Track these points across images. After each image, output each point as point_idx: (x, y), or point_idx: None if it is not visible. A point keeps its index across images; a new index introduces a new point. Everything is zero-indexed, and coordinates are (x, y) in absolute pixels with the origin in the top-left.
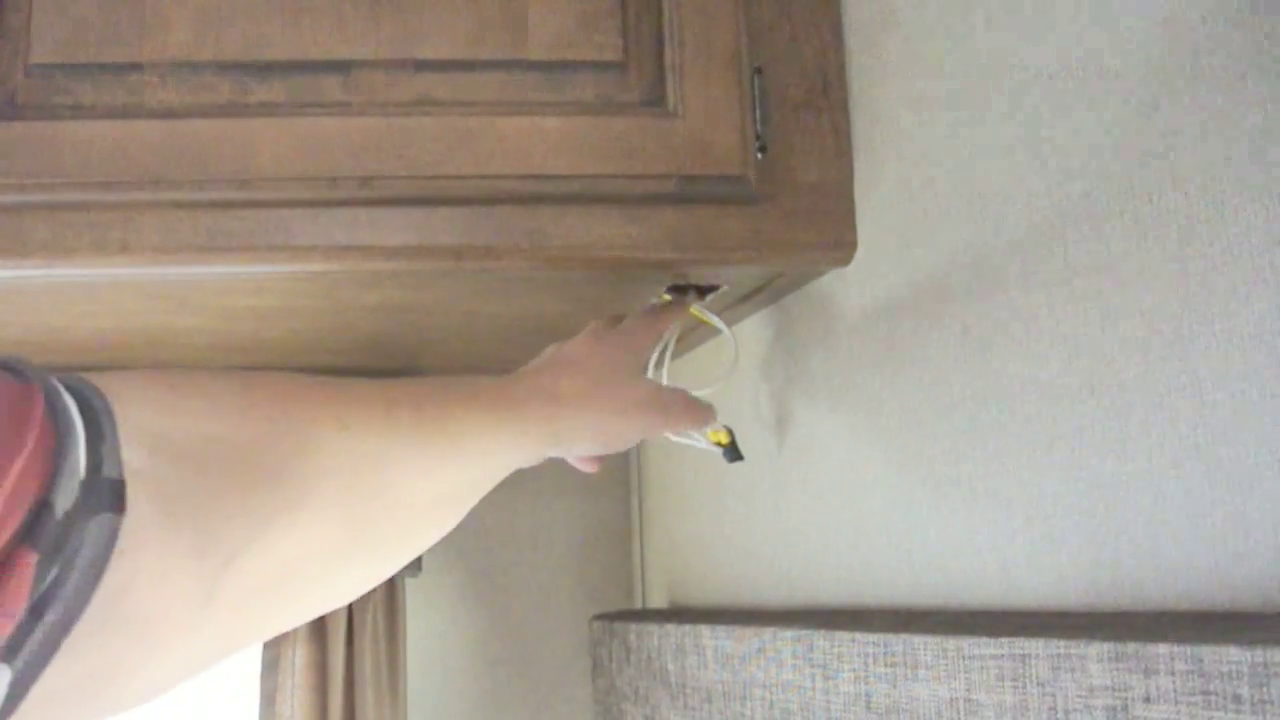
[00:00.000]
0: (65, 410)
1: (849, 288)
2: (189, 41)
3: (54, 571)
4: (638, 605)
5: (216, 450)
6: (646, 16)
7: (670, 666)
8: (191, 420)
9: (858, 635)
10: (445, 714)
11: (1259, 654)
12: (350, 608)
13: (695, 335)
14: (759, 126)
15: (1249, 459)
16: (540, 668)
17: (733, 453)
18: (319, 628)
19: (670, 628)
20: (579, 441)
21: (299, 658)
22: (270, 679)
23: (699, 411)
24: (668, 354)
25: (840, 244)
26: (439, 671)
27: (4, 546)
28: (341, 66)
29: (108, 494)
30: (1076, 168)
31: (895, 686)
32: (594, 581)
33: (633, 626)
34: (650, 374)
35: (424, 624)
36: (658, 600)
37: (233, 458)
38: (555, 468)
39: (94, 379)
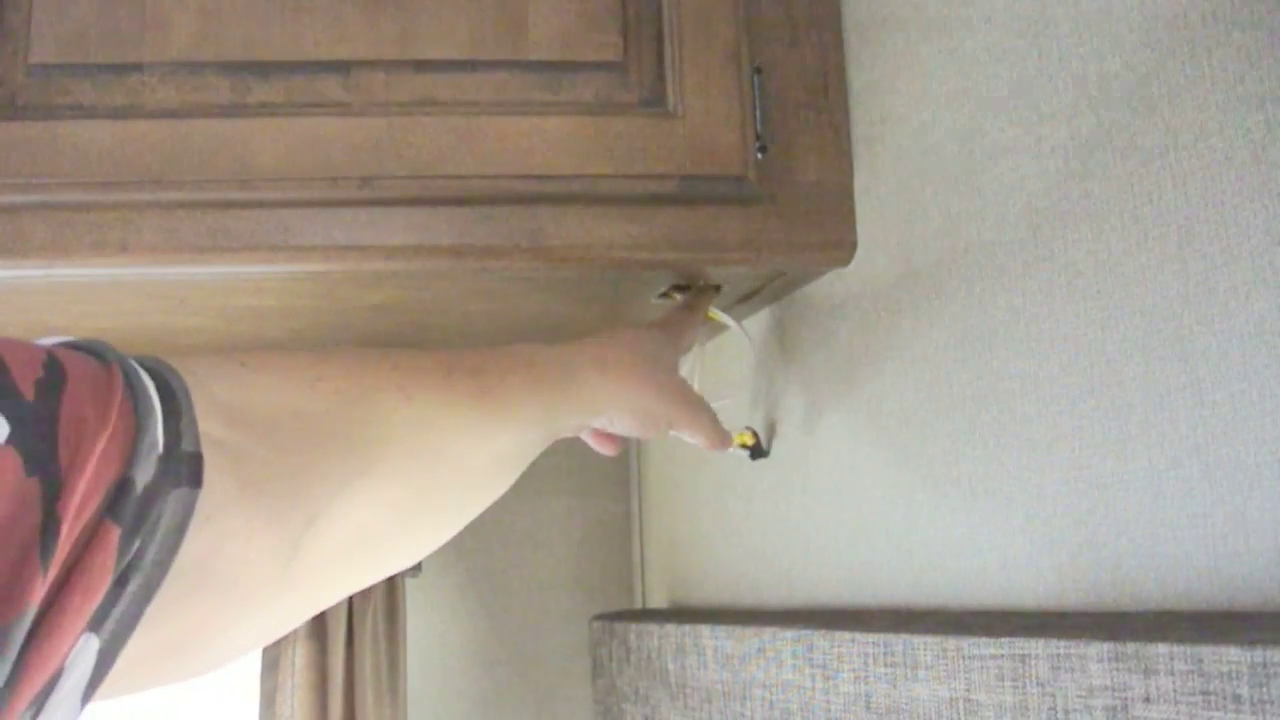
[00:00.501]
0: (144, 390)
1: (849, 288)
2: (189, 42)
3: (136, 544)
4: (638, 605)
5: (291, 421)
6: (646, 16)
7: (670, 666)
8: (265, 394)
9: (858, 635)
10: (445, 714)
11: (1258, 654)
12: (350, 607)
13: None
14: (759, 126)
15: (1248, 459)
16: (540, 668)
17: (757, 451)
18: (319, 628)
19: (670, 628)
20: (619, 414)
21: (299, 658)
22: (270, 679)
23: (717, 432)
24: (702, 358)
25: (840, 244)
26: (439, 671)
27: (89, 522)
28: (341, 67)
29: (186, 468)
30: (1076, 167)
31: (895, 686)
32: (594, 581)
33: (633, 626)
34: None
35: (424, 624)
36: (658, 600)
37: (307, 427)
38: (556, 468)
39: (170, 360)
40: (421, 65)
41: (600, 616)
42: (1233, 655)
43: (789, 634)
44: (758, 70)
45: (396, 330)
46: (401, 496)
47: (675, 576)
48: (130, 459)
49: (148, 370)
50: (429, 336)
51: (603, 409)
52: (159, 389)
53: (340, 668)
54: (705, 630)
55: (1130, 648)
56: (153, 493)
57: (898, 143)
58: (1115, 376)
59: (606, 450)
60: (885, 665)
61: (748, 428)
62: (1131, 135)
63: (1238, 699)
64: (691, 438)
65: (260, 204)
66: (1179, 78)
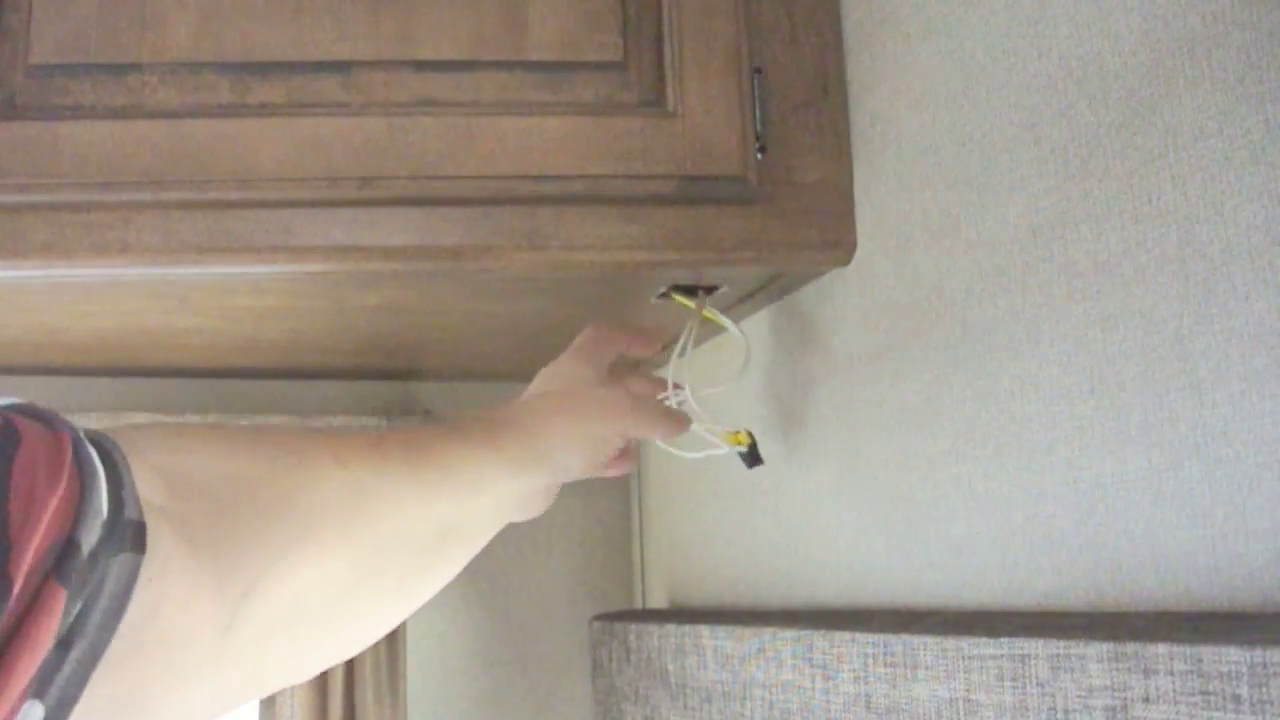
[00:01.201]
0: (88, 456)
1: (849, 288)
2: (189, 42)
3: (79, 606)
4: (638, 605)
5: (228, 487)
6: (646, 16)
7: (670, 667)
8: (202, 460)
9: (857, 635)
10: (445, 714)
11: (1258, 654)
12: None
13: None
14: (759, 126)
15: (1248, 459)
16: (540, 668)
17: (752, 457)
18: None
19: (670, 628)
20: (564, 453)
21: None
22: None
23: (668, 418)
24: (688, 352)
25: (840, 244)
26: (439, 671)
27: (36, 584)
28: (341, 67)
29: (130, 534)
30: (1076, 167)
31: (895, 687)
32: (594, 581)
33: (633, 627)
34: (672, 371)
35: (424, 624)
36: (658, 600)
37: (244, 493)
38: None
39: (107, 431)
40: (421, 65)
41: (600, 617)
42: (1232, 655)
43: (789, 634)
44: (758, 70)
45: (396, 330)
46: (340, 568)
47: (675, 577)
48: (76, 521)
49: (90, 440)
50: (429, 336)
51: (545, 455)
52: (101, 458)
53: (340, 667)
54: (705, 630)
55: (1130, 648)
56: (98, 557)
57: (898, 143)
58: (1115, 377)
59: (616, 472)
60: (885, 665)
61: (746, 430)
62: (1131, 135)
63: (1237, 699)
64: (650, 436)
65: (260, 204)
66: (1179, 78)
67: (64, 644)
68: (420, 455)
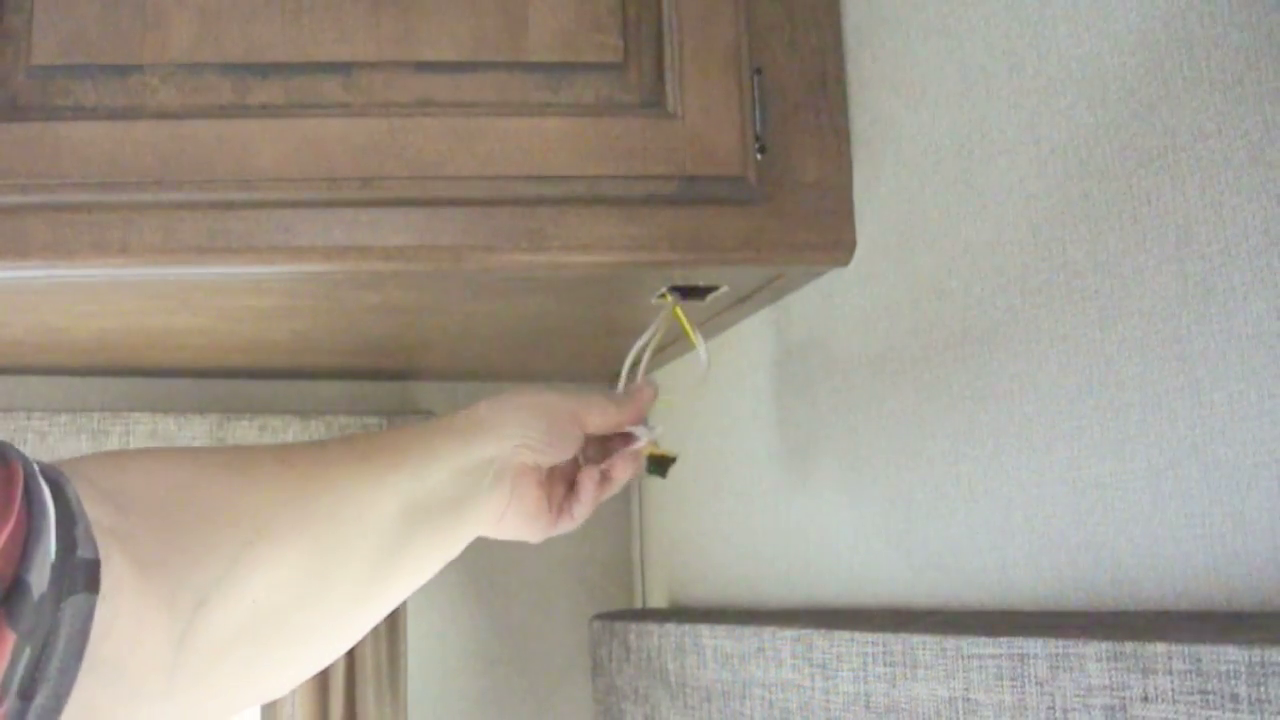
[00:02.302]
0: (39, 494)
1: (849, 288)
2: (189, 42)
3: (28, 652)
4: (638, 605)
5: (174, 496)
6: (646, 17)
7: (670, 666)
8: (146, 475)
9: (857, 635)
10: (445, 714)
11: (1256, 653)
12: None
13: (678, 345)
14: (759, 126)
15: (1247, 459)
16: (540, 668)
17: (658, 466)
18: None
19: (670, 627)
20: (512, 421)
21: None
22: None
23: (624, 398)
24: (643, 362)
25: (840, 244)
26: (439, 671)
27: None
28: (342, 67)
29: (83, 574)
30: (1076, 168)
31: (894, 686)
32: (594, 581)
33: (633, 626)
34: (631, 358)
35: (424, 624)
36: (658, 600)
37: (190, 500)
38: None
39: (54, 463)
40: (422, 66)
41: (600, 616)
42: (1231, 655)
43: (788, 633)
44: (758, 70)
45: (396, 330)
46: (302, 562)
47: (675, 576)
48: (24, 560)
49: (43, 474)
50: (429, 336)
51: (492, 421)
52: (53, 493)
53: (340, 667)
54: (705, 630)
55: (1128, 647)
56: (47, 600)
57: (898, 143)
58: (1114, 377)
59: (621, 474)
60: (884, 665)
61: (674, 454)
62: (1130, 136)
63: (1235, 698)
64: (611, 426)
65: (261, 204)
66: (1177, 78)
67: (25, 694)
68: (364, 443)
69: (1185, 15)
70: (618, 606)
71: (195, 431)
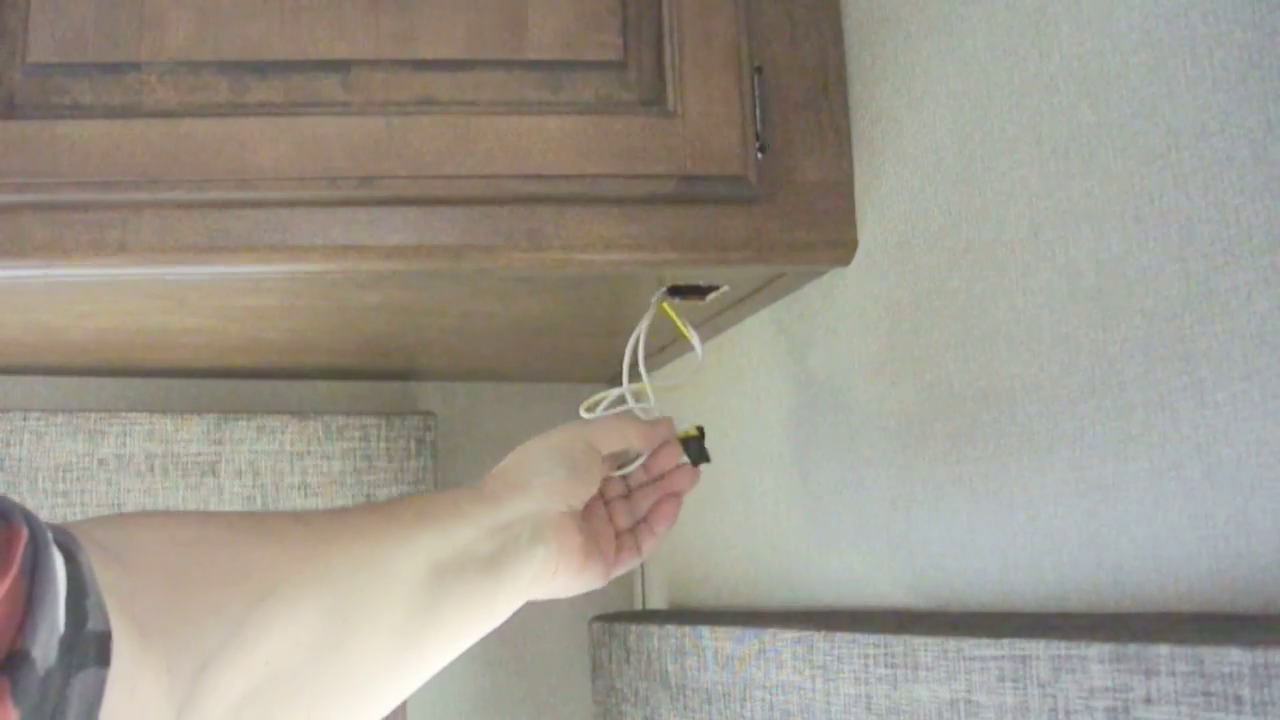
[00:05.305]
0: (49, 562)
1: (849, 288)
2: (187, 41)
3: None
4: (638, 606)
5: (179, 553)
6: (646, 16)
7: (670, 667)
8: (151, 530)
9: (858, 636)
10: (445, 714)
11: (1260, 655)
12: None
13: (680, 345)
14: (759, 126)
15: (1250, 460)
16: (540, 668)
17: (699, 451)
18: None
19: (670, 628)
20: (535, 472)
21: None
22: None
23: (645, 422)
24: (641, 360)
25: (840, 243)
26: (439, 672)
27: None
28: (341, 66)
29: (94, 648)
30: (1078, 167)
31: (896, 688)
32: None
33: (632, 627)
34: (628, 354)
35: None
36: (658, 601)
37: (198, 557)
38: None
39: (69, 527)
40: (421, 65)
41: (600, 617)
42: (1234, 656)
43: (789, 635)
44: (758, 70)
45: (396, 330)
46: (320, 622)
47: (675, 577)
48: (26, 629)
49: (56, 543)
50: (428, 336)
51: (514, 474)
52: (66, 562)
53: None
54: (705, 631)
55: (1131, 649)
56: (56, 675)
57: (898, 143)
58: (1116, 377)
59: (665, 523)
60: (886, 666)
61: (696, 425)
62: (1132, 135)
63: (1239, 700)
64: (621, 442)
65: (259, 204)
66: (1180, 77)
67: None
68: (386, 506)
69: (1187, 13)
70: (617, 608)
71: (193, 432)
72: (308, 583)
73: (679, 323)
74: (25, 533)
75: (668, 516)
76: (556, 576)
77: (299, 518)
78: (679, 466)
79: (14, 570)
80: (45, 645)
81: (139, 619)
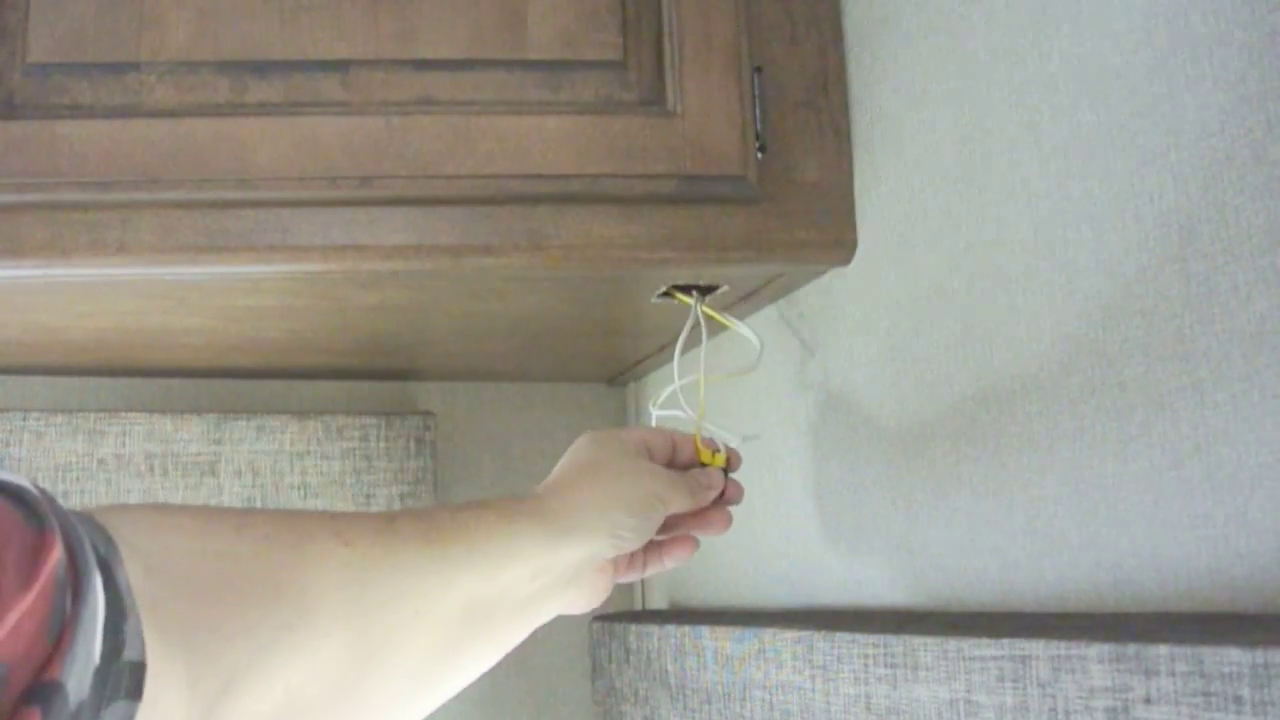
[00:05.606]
0: (89, 584)
1: (849, 288)
2: (187, 41)
3: None
4: (638, 606)
5: (210, 565)
6: (646, 16)
7: (670, 667)
8: (183, 537)
9: (858, 636)
10: (445, 714)
11: (1260, 655)
12: None
13: (693, 335)
14: (759, 126)
15: (1250, 460)
16: (540, 668)
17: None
18: None
19: (670, 629)
20: (601, 517)
21: None
22: None
23: (702, 489)
24: (677, 349)
25: (840, 243)
26: None
27: (9, 706)
28: (340, 66)
29: (128, 679)
30: (1077, 167)
31: (895, 688)
32: None
33: (632, 627)
34: (676, 366)
35: None
36: (658, 601)
37: (227, 573)
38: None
39: (100, 519)
40: (421, 64)
41: (600, 617)
42: (1234, 656)
43: (789, 635)
44: (758, 70)
45: (396, 330)
46: (344, 654)
47: (675, 577)
48: (65, 659)
49: (94, 553)
50: (429, 336)
51: (574, 517)
52: (105, 582)
53: None
54: (705, 631)
55: (1131, 649)
56: (88, 709)
57: (898, 143)
58: (1116, 377)
59: (678, 559)
60: (885, 666)
61: (724, 454)
62: (1132, 134)
63: (1239, 700)
64: (686, 504)
65: (259, 204)
66: (1180, 76)
67: None
68: (438, 531)
69: (1187, 13)
70: (617, 608)
71: (192, 432)
72: (338, 617)
73: (727, 322)
74: (59, 550)
75: (683, 554)
76: (570, 607)
77: (340, 535)
78: (711, 507)
79: (39, 584)
80: (80, 677)
81: (164, 629)
